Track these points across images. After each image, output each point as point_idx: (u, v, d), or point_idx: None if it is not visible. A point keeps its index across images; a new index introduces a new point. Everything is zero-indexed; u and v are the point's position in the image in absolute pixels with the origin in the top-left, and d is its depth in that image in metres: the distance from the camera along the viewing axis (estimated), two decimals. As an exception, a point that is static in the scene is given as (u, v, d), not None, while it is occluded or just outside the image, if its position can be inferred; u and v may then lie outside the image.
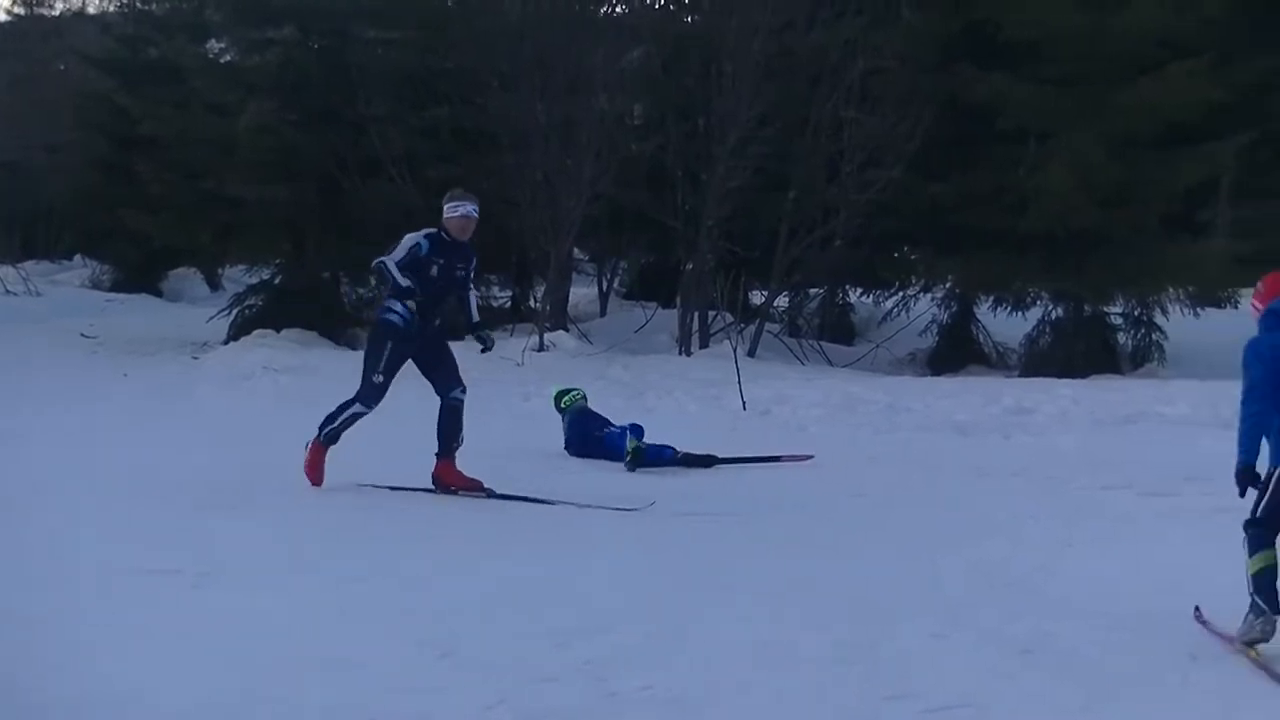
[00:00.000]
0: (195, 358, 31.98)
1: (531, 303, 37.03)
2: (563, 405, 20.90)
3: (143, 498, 15.98)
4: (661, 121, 35.65)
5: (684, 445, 19.49)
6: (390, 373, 16.62)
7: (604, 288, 42.15)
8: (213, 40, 43.55)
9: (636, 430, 19.49)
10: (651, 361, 26.51)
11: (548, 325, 32.73)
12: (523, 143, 33.11)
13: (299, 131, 33.75)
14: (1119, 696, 9.43)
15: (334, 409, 16.76)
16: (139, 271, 48.24)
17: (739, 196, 33.25)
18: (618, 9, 39.71)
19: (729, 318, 34.97)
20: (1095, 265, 33.64)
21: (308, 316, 34.34)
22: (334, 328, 34.39)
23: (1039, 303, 35.83)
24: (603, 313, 39.37)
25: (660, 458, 19.14)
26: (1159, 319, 35.96)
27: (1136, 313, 36.04)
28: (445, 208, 16.97)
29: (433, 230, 16.83)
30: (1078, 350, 34.20)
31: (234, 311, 35.89)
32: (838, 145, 33.71)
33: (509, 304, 38.79)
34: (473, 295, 17.42)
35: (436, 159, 33.97)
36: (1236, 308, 39.11)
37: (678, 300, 34.83)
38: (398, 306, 16.58)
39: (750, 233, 34.13)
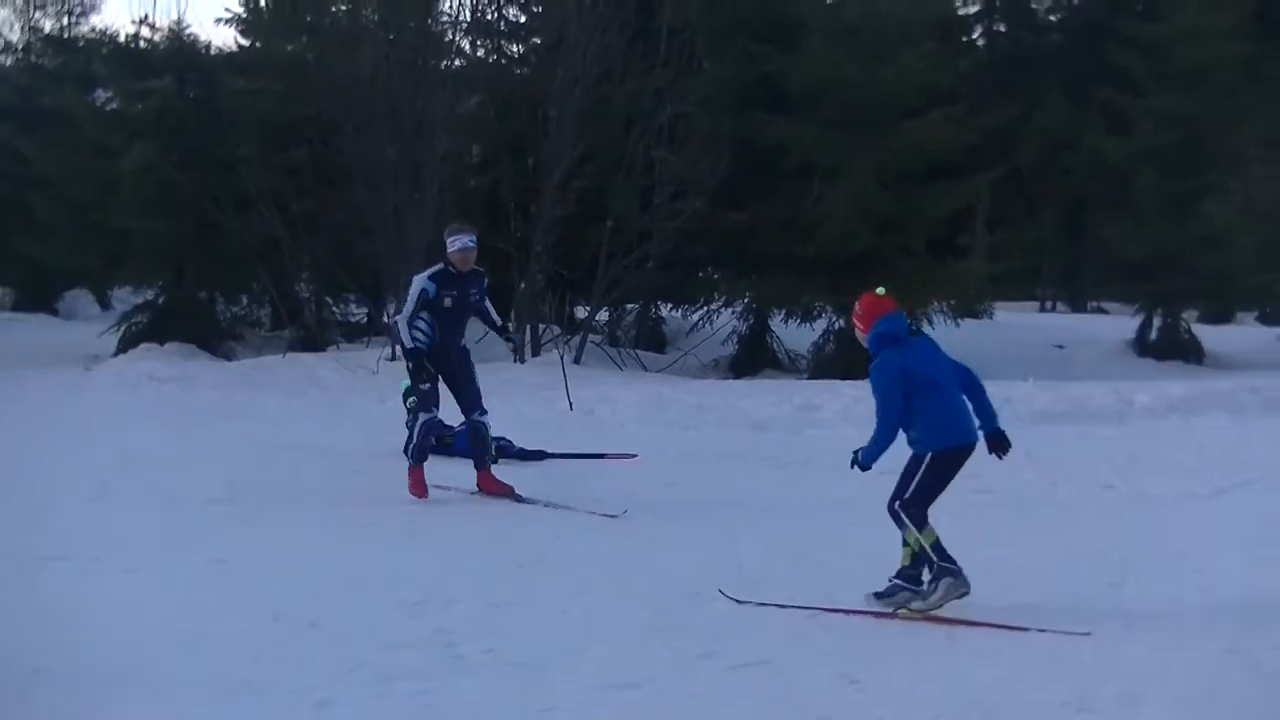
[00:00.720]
0: (86, 369, 31.74)
1: (385, 318, 37.10)
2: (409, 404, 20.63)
3: (37, 492, 16.04)
4: (496, 160, 35.91)
5: (521, 442, 19.60)
6: (434, 379, 16.34)
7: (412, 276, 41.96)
8: (99, 90, 43.40)
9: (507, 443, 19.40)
10: (491, 368, 26.93)
11: (397, 338, 32.92)
12: (375, 179, 33.08)
13: (177, 171, 33.68)
14: (893, 654, 9.81)
15: (408, 433, 16.46)
16: (35, 292, 47.91)
17: (564, 225, 33.61)
18: (456, 62, 39.53)
19: (557, 330, 35.60)
20: (872, 282, 34.33)
21: (188, 331, 34.51)
22: (211, 341, 34.49)
23: (824, 315, 36.38)
24: (445, 325, 39.42)
25: (502, 451, 18.93)
26: (925, 328, 36.54)
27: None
28: (447, 242, 16.65)
29: (438, 267, 16.46)
30: (858, 355, 34.80)
31: (122, 327, 35.77)
32: (650, 180, 33.90)
33: (365, 319, 38.94)
34: (489, 308, 16.94)
35: (299, 194, 33.89)
36: (991, 318, 40.12)
37: (513, 315, 35.04)
38: (420, 330, 16.29)
39: (574, 256, 34.27)
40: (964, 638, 10.19)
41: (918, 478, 11.15)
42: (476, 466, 16.46)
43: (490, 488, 16.32)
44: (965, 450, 11.32)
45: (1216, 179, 40.85)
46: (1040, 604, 11.03)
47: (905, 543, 11.16)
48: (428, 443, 16.36)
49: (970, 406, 11.62)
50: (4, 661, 9.06)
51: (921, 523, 11.07)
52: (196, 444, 21.19)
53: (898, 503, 11.16)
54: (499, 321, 17.40)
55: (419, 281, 16.41)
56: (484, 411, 16.45)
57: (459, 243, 16.56)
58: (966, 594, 10.75)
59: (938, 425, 11.30)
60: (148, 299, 36.75)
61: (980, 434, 11.56)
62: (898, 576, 11.12)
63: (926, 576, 10.95)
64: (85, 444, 20.93)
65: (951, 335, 35.86)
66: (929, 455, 11.20)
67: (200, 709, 8.30)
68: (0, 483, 16.63)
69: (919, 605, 10.88)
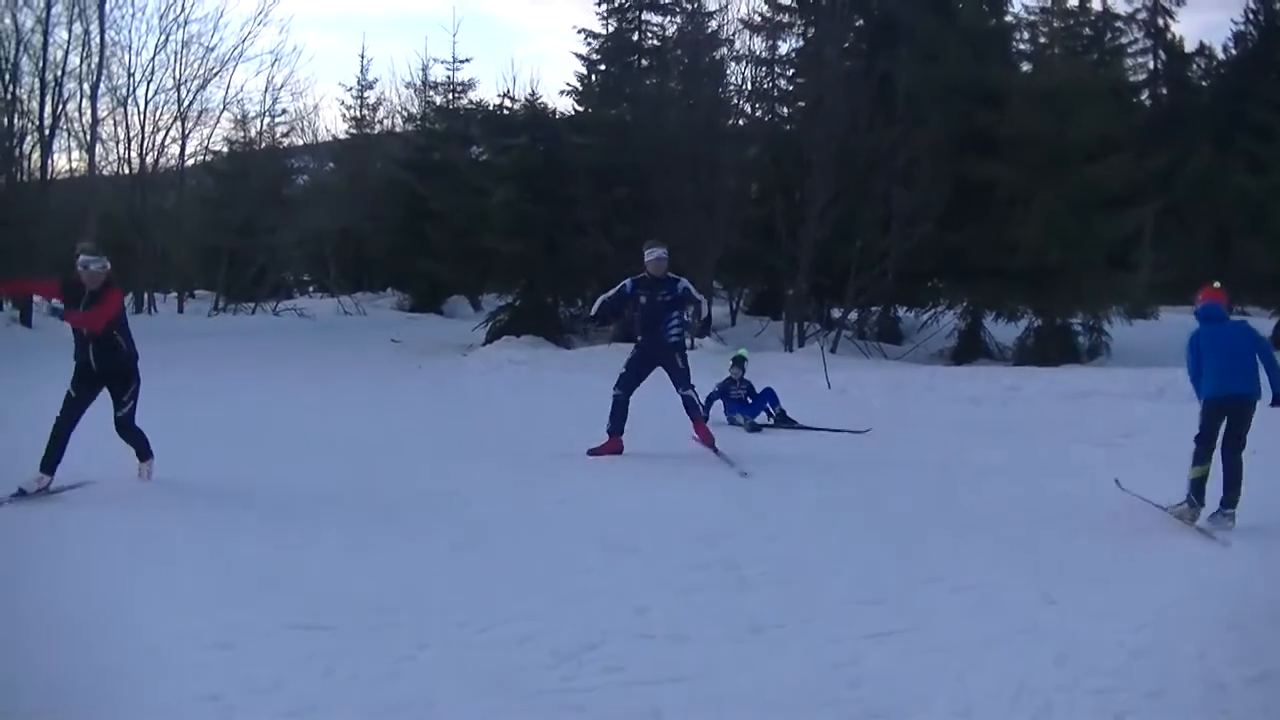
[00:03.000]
0: (464, 355, 32.18)
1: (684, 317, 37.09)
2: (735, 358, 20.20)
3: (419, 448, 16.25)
4: (770, 196, 35.58)
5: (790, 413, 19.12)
6: (631, 366, 15.91)
7: (734, 306, 42.20)
8: (474, 146, 43.92)
9: (771, 397, 19.17)
10: (766, 356, 26.64)
11: (697, 333, 32.98)
12: (678, 210, 33.13)
13: (530, 205, 34.04)
14: (1084, 578, 9.42)
15: (693, 406, 15.75)
16: (428, 298, 48.71)
17: (823, 246, 33.23)
18: (740, 121, 39.84)
19: (818, 326, 35.37)
20: (1062, 290, 33.73)
21: (537, 327, 34.79)
22: (554, 334, 34.76)
23: (1025, 315, 35.72)
24: (733, 323, 39.36)
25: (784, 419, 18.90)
26: (1105, 326, 35.88)
27: (1090, 322, 35.97)
28: (645, 253, 16.13)
29: (641, 274, 16.01)
30: (1051, 347, 34.24)
31: (489, 324, 36.25)
32: (888, 210, 33.56)
33: (673, 318, 39.03)
34: (678, 314, 15.93)
35: (620, 222, 33.95)
36: (1156, 319, 39.07)
37: (783, 315, 34.91)
38: (675, 328, 15.84)
39: (831, 269, 33.92)
40: (1144, 567, 9.74)
41: (1200, 418, 11.73)
42: (694, 421, 15.77)
43: (704, 437, 15.64)
44: (1223, 400, 11.70)
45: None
46: (1196, 544, 10.69)
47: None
48: (619, 416, 15.65)
49: (1257, 373, 11.76)
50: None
51: (1196, 459, 11.69)
52: (541, 411, 21.38)
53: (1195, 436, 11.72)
54: (672, 337, 15.95)
55: (626, 281, 16.11)
56: (689, 387, 15.75)
57: (653, 254, 16.09)
58: (1189, 522, 11.33)
59: (1209, 380, 11.77)
60: (508, 302, 37.15)
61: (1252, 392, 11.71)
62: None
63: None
64: (466, 410, 21.37)
65: (1126, 332, 35.32)
66: (1201, 401, 11.80)
67: (549, 608, 8.27)
68: (400, 436, 17.25)
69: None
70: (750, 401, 19.17)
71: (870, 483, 13.84)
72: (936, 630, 7.90)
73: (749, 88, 40.39)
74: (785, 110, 41.38)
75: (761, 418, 18.92)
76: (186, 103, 47.72)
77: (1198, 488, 11.54)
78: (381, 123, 61.93)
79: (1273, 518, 11.59)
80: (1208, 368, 11.84)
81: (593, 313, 16.77)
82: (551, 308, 36.53)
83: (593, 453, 15.46)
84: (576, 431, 16.75)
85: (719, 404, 19.00)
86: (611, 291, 16.16)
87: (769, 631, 7.88)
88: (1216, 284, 12.55)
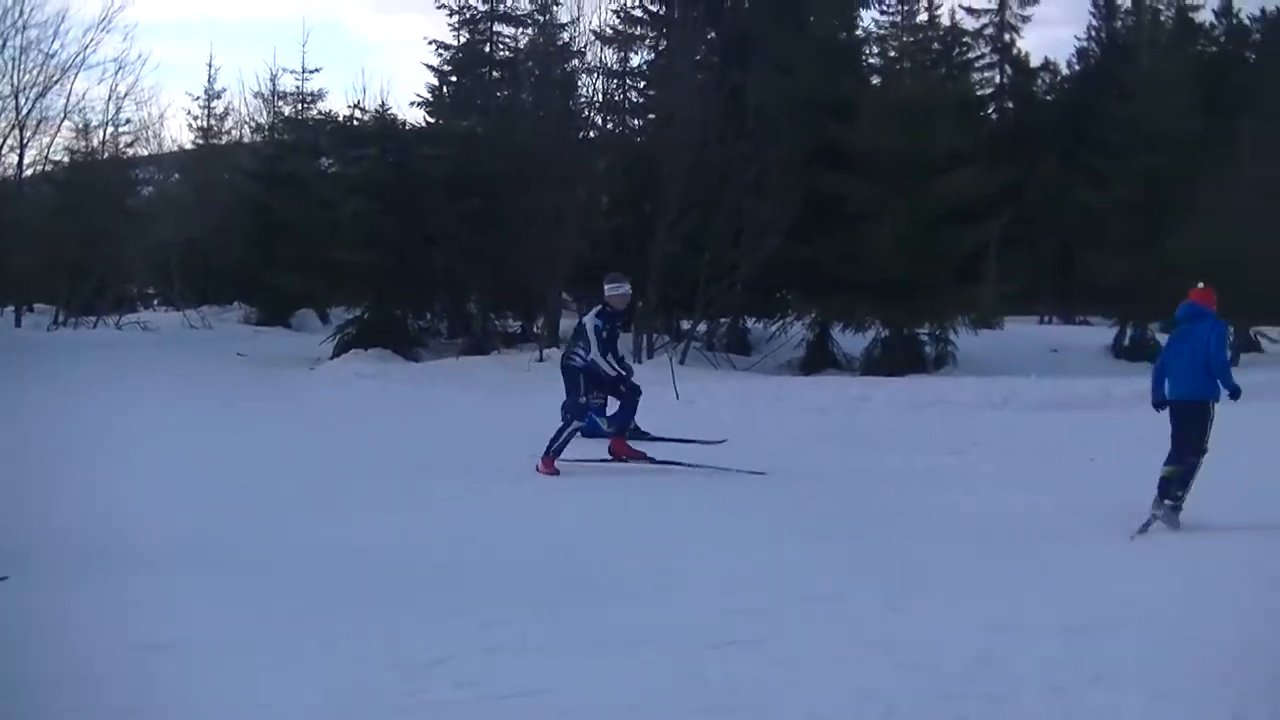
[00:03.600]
0: (311, 369, 31.68)
1: (534, 329, 37.05)
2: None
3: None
4: (621, 208, 35.89)
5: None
6: (588, 395, 16.03)
7: (582, 318, 42.03)
8: (324, 158, 43.54)
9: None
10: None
11: (545, 344, 32.94)
12: (528, 223, 33.09)
13: (380, 218, 33.79)
14: (929, 586, 9.61)
15: (555, 433, 15.57)
16: (276, 311, 48.11)
17: (673, 258, 33.36)
18: (592, 133, 39.87)
19: (666, 338, 35.42)
20: (909, 301, 34.16)
21: (385, 340, 34.45)
22: (403, 347, 34.46)
23: (873, 326, 36.07)
24: (582, 335, 39.37)
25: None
26: (951, 336, 36.36)
27: (937, 333, 36.44)
28: (608, 288, 16.22)
29: (600, 308, 16.08)
30: (899, 358, 34.64)
31: (337, 337, 35.78)
32: (739, 223, 33.81)
33: (519, 330, 38.83)
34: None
35: (471, 234, 33.86)
36: (1002, 329, 39.77)
37: (633, 327, 34.95)
38: (579, 356, 15.97)
39: (681, 281, 33.96)
40: (989, 574, 9.91)
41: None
42: (615, 433, 16.20)
43: (622, 451, 16.03)
44: (1171, 403, 12.47)
45: (1174, 223, 40.38)
46: (1036, 550, 10.86)
47: None
48: (566, 446, 15.61)
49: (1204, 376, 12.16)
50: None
51: (1166, 458, 12.19)
52: (391, 426, 21.29)
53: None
54: (617, 374, 16.23)
55: (590, 322, 15.98)
56: (639, 392, 16.19)
57: (621, 289, 16.27)
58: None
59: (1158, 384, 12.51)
60: (356, 315, 36.71)
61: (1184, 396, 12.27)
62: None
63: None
64: (313, 426, 21.18)
65: (972, 342, 35.86)
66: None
67: (398, 623, 8.21)
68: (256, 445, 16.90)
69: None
70: (609, 414, 19.16)
71: (721, 493, 13.94)
72: (786, 640, 7.97)
73: (601, 100, 40.43)
74: (637, 122, 41.58)
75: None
76: (25, 111, 46.71)
77: (1163, 485, 11.95)
78: (229, 133, 61.17)
79: (1118, 525, 11.79)
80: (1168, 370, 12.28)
81: (614, 374, 16.16)
82: (400, 320, 36.25)
83: (623, 456, 16.09)
84: (430, 446, 16.98)
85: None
86: (595, 343, 15.90)
87: (620, 644, 7.88)
88: (1200, 284, 13.06)
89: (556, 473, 15.34)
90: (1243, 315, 43.12)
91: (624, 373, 16.24)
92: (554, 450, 15.52)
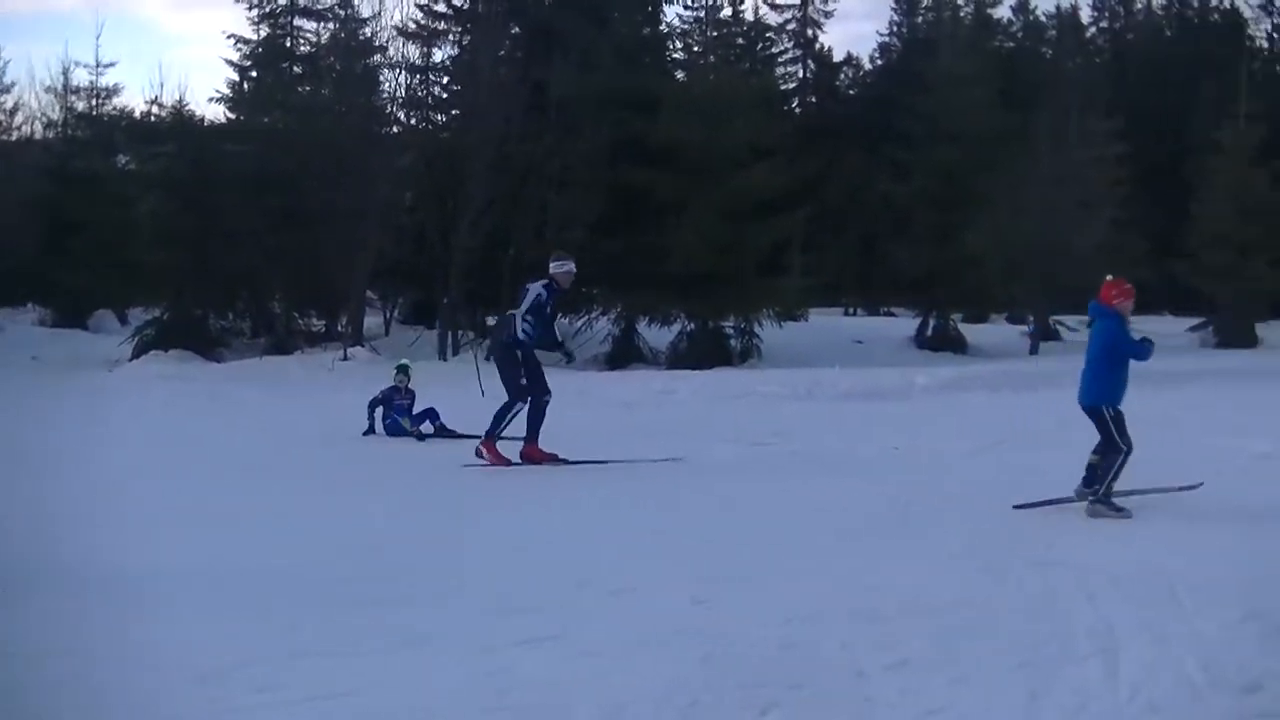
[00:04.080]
0: (109, 370, 30.97)
1: (338, 327, 36.74)
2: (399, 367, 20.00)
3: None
4: (424, 204, 35.67)
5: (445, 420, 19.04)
6: (526, 376, 15.62)
7: (387, 316, 41.76)
8: (119, 154, 42.81)
9: (434, 414, 19.08)
10: (421, 365, 26.54)
11: (349, 343, 32.71)
12: (330, 220, 32.82)
13: (178, 216, 33.22)
14: (733, 579, 9.57)
15: (496, 416, 15.46)
16: (72, 313, 46.70)
17: (477, 253, 33.38)
18: (395, 129, 39.64)
19: (472, 335, 35.26)
20: (714, 295, 34.46)
21: (186, 340, 33.68)
22: (204, 348, 33.75)
23: (679, 320, 36.33)
24: (387, 333, 39.05)
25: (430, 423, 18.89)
26: (757, 329, 36.72)
27: (742, 326, 36.79)
28: (553, 265, 15.92)
29: (547, 281, 15.78)
30: (704, 350, 34.92)
31: (136, 338, 34.85)
32: (543, 217, 33.95)
33: (323, 329, 38.42)
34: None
35: (272, 232, 33.56)
36: (807, 320, 40.27)
37: (438, 323, 34.84)
38: (527, 329, 15.59)
39: (485, 277, 33.94)
40: (791, 564, 9.92)
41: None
42: (526, 439, 15.67)
43: (536, 456, 15.60)
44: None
45: (973, 214, 41.23)
46: (840, 539, 10.88)
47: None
48: (508, 428, 15.52)
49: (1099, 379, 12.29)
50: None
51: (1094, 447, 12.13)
52: (195, 429, 20.81)
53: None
54: (559, 340, 16.54)
55: (535, 289, 15.71)
56: (550, 395, 15.82)
57: (566, 267, 15.94)
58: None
59: None
60: (155, 315, 36.08)
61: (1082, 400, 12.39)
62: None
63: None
64: (107, 426, 20.66)
65: (777, 334, 36.20)
66: None
67: (195, 627, 7.94)
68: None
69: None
70: (415, 412, 19.09)
71: (525, 490, 13.89)
72: (588, 634, 7.90)
73: (403, 95, 40.21)
74: (440, 118, 41.50)
75: (426, 427, 18.81)
76: None
77: (1088, 472, 12.02)
78: (20, 129, 59.76)
79: (919, 513, 12.00)
80: None
81: (519, 338, 15.74)
82: (201, 320, 35.73)
83: (536, 460, 15.58)
84: (231, 447, 16.67)
85: (379, 411, 18.88)
86: (525, 305, 15.68)
87: (421, 644, 7.75)
88: (1109, 276, 12.42)
89: (505, 460, 15.27)
90: (1041, 305, 44.22)
91: (564, 346, 16.57)
92: (494, 433, 15.42)
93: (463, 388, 24.16)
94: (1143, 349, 12.26)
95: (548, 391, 15.80)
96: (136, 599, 8.88)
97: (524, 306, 15.64)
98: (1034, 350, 42.19)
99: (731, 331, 36.93)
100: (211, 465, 15.59)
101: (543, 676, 7.15)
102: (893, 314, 57.64)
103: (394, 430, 18.74)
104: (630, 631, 7.97)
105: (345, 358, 30.91)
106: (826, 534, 11.08)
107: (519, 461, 15.52)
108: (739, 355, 36.18)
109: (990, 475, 14.62)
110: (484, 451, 15.37)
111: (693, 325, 36.46)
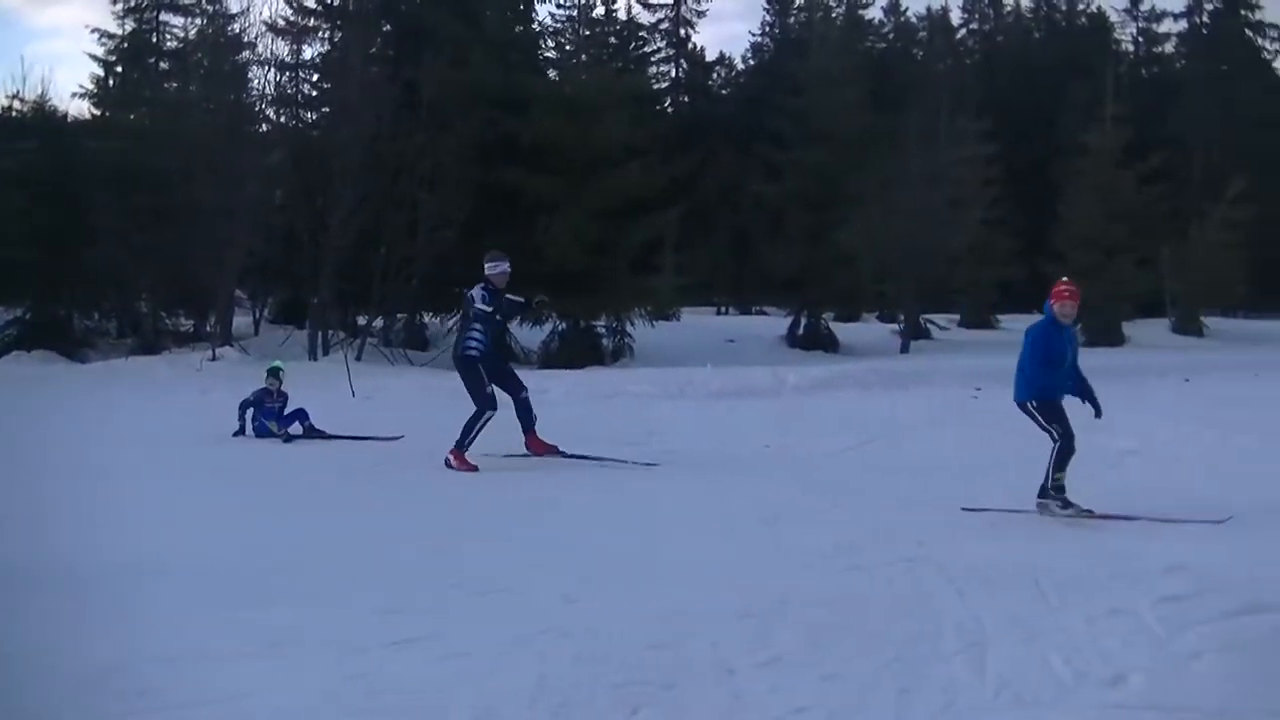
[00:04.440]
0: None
1: (207, 327, 36.31)
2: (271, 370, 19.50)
3: None
4: (294, 202, 35.36)
5: (315, 420, 18.68)
6: (491, 384, 15.43)
7: (257, 316, 41.39)
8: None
9: (303, 415, 18.75)
10: (291, 365, 26.30)
11: (218, 343, 32.37)
12: (199, 217, 32.38)
13: (41, 213, 32.54)
14: (606, 578, 9.66)
15: (466, 426, 15.18)
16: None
17: (348, 252, 33.10)
18: (264, 127, 39.32)
19: (343, 334, 35.10)
20: (587, 294, 34.46)
21: (50, 341, 33.29)
22: (69, 349, 33.34)
23: (551, 320, 36.27)
24: (256, 333, 38.66)
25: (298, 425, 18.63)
26: (629, 328, 36.81)
27: (614, 325, 36.86)
28: (488, 266, 15.77)
29: (483, 284, 15.65)
30: (577, 350, 34.95)
31: (-6, 340, 34.49)
32: (414, 216, 33.66)
33: (192, 328, 37.96)
34: (514, 302, 16.29)
35: (139, 231, 33.03)
36: (679, 320, 40.40)
37: (308, 323, 34.58)
38: (475, 341, 15.49)
39: (356, 276, 33.81)
40: (663, 563, 9.99)
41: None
42: (525, 431, 15.68)
43: (537, 447, 15.64)
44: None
45: (844, 214, 41.60)
46: (711, 539, 10.93)
47: None
48: (478, 437, 15.25)
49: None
50: None
51: None
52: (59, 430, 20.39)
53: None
54: (522, 300, 16.65)
55: (476, 295, 15.63)
56: (526, 389, 15.77)
57: (500, 267, 15.82)
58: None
59: None
60: (18, 315, 35.43)
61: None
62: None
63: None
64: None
65: (649, 334, 36.24)
66: None
67: (68, 633, 7.77)
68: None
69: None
70: (285, 413, 18.88)
71: (396, 490, 13.86)
72: (459, 635, 7.87)
73: (273, 93, 39.97)
74: (310, 116, 41.33)
75: (295, 428, 18.64)
76: None
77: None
78: None
79: (785, 511, 12.10)
80: None
81: (472, 355, 15.65)
82: (66, 320, 35.20)
83: (537, 451, 15.60)
84: (95, 449, 16.40)
85: (250, 413, 18.68)
86: (486, 306, 15.63)
87: (293, 645, 7.70)
88: (1064, 278, 12.19)
89: (474, 468, 15.03)
90: (912, 304, 44.68)
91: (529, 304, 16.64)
92: (464, 444, 15.21)
93: (333, 388, 24.10)
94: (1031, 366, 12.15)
95: (522, 387, 15.78)
96: (22, 602, 8.76)
97: (471, 316, 15.64)
98: (905, 349, 42.63)
99: (604, 331, 37.00)
100: (75, 466, 15.35)
101: (413, 678, 7.13)
102: (765, 313, 57.97)
103: (262, 432, 18.55)
104: (502, 631, 7.96)
105: (214, 358, 30.47)
106: (698, 533, 11.14)
107: (471, 467, 15.18)
108: (611, 355, 36.25)
109: (861, 473, 14.79)
110: (452, 460, 15.16)
111: (565, 325, 36.43)
